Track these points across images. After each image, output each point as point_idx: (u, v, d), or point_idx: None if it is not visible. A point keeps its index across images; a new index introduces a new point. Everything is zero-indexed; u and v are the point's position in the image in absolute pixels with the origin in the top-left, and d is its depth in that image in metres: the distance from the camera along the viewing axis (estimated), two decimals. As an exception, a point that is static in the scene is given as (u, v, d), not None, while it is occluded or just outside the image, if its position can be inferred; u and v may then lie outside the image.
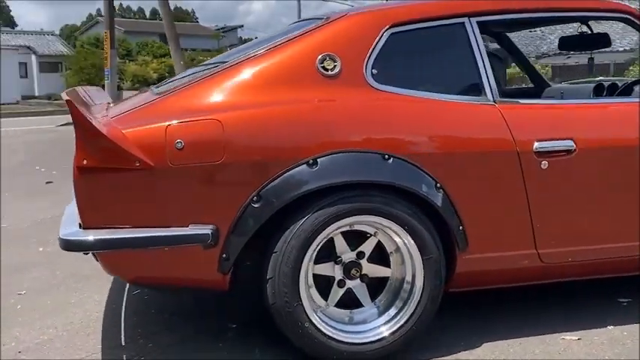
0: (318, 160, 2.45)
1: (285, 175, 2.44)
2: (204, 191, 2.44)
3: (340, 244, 2.63)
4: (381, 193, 2.52)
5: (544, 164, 2.66)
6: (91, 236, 2.39)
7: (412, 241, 2.58)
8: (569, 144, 2.69)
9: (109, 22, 18.47)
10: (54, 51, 34.62)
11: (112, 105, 3.07)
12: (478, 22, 2.79)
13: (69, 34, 50.79)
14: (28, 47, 33.47)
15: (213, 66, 2.85)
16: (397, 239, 2.63)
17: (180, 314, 3.18)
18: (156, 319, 3.12)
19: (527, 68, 4.47)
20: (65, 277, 3.84)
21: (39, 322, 3.14)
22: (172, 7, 24.58)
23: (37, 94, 32.31)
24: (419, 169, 2.55)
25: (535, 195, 2.68)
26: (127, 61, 35.48)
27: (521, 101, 2.83)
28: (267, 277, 2.51)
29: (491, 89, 2.73)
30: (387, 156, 2.50)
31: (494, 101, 2.73)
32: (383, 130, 2.56)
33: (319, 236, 2.50)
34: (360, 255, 2.66)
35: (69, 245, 2.40)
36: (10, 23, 63.77)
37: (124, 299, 3.37)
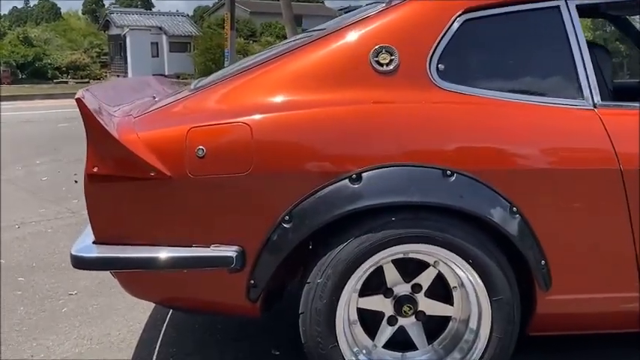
0: (363, 174, 2.02)
1: (322, 191, 2.03)
2: (228, 207, 2.09)
3: (391, 274, 2.20)
4: (438, 218, 2.06)
5: (656, 187, 2.09)
6: (98, 253, 2.10)
7: (478, 279, 2.11)
8: (690, 163, 2.10)
9: (230, 3, 18.62)
10: (183, 32, 35.73)
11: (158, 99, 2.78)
12: (578, 6, 2.23)
13: (201, 15, 52.30)
14: (160, 28, 34.75)
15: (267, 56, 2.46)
16: (461, 273, 2.16)
17: (223, 334, 2.86)
18: (195, 338, 2.82)
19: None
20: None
21: (77, 330, 2.94)
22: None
23: (166, 72, 33.57)
24: (489, 189, 2.06)
25: (642, 224, 2.12)
26: (251, 42, 35.98)
27: (629, 106, 2.24)
28: (299, 312, 2.12)
29: (590, 90, 2.18)
30: (449, 172, 2.03)
31: (594, 105, 2.17)
32: (445, 140, 2.09)
33: (363, 265, 2.08)
34: (416, 288, 2.22)
35: (78, 263, 2.12)
36: (148, 4, 66.77)
37: (170, 310, 3.10)
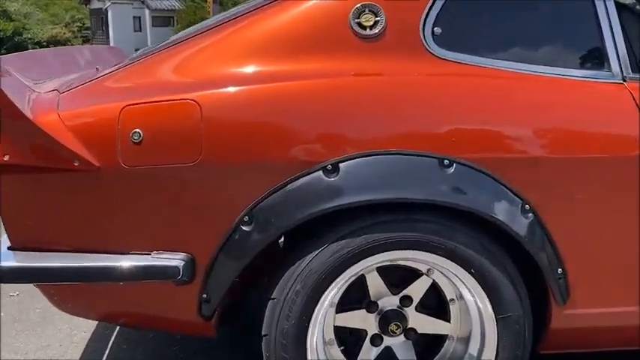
0: (340, 165, 1.62)
1: (289, 186, 1.63)
2: (172, 205, 1.68)
3: (375, 284, 1.81)
4: (434, 218, 1.66)
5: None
6: (13, 263, 1.69)
7: (482, 292, 1.72)
8: None
9: (213, -26, 17.98)
10: (166, 6, 34.92)
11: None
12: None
13: (185, -12, 51.16)
14: (142, 2, 33.93)
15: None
16: (460, 284, 1.77)
17: (183, 345, 2.46)
18: (150, 351, 2.42)
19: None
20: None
21: (12, 341, 2.52)
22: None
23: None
24: (496, 182, 1.66)
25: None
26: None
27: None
28: (262, 334, 1.73)
29: (619, 60, 1.77)
30: (447, 161, 1.63)
31: (624, 78, 1.76)
32: (442, 121, 1.68)
33: (340, 277, 1.68)
34: (406, 301, 1.83)
35: (-14, 273, 1.71)
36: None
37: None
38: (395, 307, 1.82)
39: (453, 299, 1.84)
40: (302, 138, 1.65)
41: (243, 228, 1.65)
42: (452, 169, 1.63)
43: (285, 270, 1.68)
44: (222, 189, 1.66)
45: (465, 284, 1.74)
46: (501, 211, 1.65)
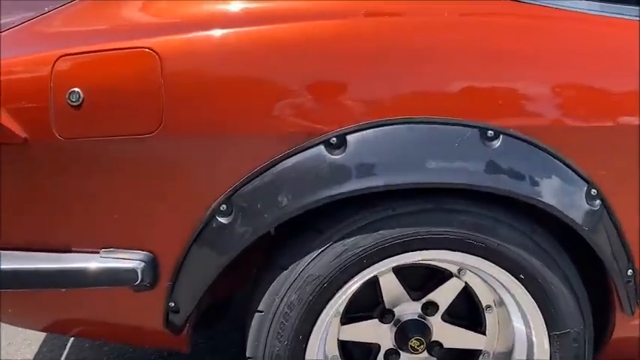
0: (348, 137, 1.20)
1: (280, 165, 1.21)
2: (125, 190, 1.27)
3: (391, 288, 1.41)
4: (471, 208, 1.25)
5: None
6: None
7: (532, 302, 1.32)
8: None
9: None
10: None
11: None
12: None
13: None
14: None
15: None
16: (502, 290, 1.38)
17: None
18: (112, 351, 2.03)
19: None
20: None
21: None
22: None
23: None
24: (556, 161, 1.25)
25: None
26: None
27: None
28: (247, 356, 1.34)
29: None
30: (491, 132, 1.21)
31: None
32: (483, 77, 1.26)
33: (349, 283, 1.28)
34: (430, 308, 1.43)
35: None
36: None
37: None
38: (416, 317, 1.42)
39: (489, 306, 1.45)
40: (297, 101, 1.22)
41: (220, 220, 1.24)
42: (498, 143, 1.22)
43: (275, 275, 1.28)
44: (190, 168, 1.25)
45: (508, 290, 1.35)
46: (564, 200, 1.24)
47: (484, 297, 1.44)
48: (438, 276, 1.43)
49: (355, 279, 1.26)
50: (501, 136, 1.22)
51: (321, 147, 1.21)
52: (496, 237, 1.25)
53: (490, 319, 1.46)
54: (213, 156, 1.23)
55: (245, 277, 1.58)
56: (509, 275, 1.29)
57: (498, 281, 1.33)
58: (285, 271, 1.26)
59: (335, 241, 1.23)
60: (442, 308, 1.43)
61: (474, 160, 1.22)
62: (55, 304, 1.40)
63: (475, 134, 1.22)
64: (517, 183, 1.23)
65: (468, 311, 1.48)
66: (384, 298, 1.42)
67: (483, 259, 1.27)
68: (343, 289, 1.27)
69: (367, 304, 1.44)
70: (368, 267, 1.25)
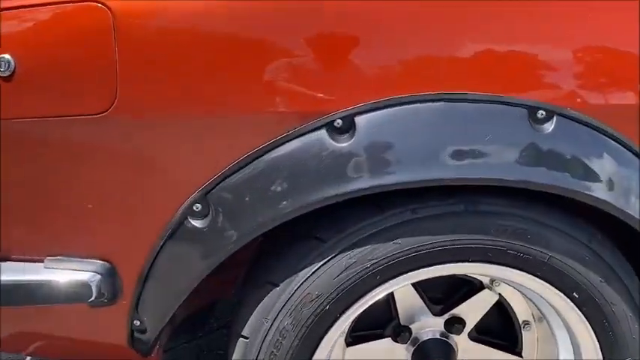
0: (358, 119, 0.92)
1: (269, 155, 0.94)
2: (73, 184, 0.99)
3: (408, 303, 1.16)
4: (514, 210, 0.98)
5: None
6: None
7: (587, 327, 1.05)
8: None
9: None
10: None
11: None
12: None
13: None
14: None
15: None
16: (544, 306, 1.11)
17: None
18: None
19: None
20: None
21: None
22: None
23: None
24: (623, 148, 0.97)
25: None
26: None
27: None
28: (227, 390, 1.09)
29: None
30: (542, 112, 0.93)
31: None
32: (533, 42, 0.96)
33: (357, 304, 1.01)
34: (455, 325, 1.17)
35: None
36: None
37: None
38: (437, 335, 1.17)
39: (527, 323, 1.19)
40: (291, 72, 0.94)
41: (193, 223, 0.97)
42: (551, 126, 0.94)
43: (263, 292, 1.01)
44: (153, 157, 0.98)
45: (554, 308, 1.08)
46: (632, 200, 0.97)
47: (521, 311, 1.18)
48: (465, 287, 1.16)
49: (365, 298, 1.00)
50: (555, 118, 0.94)
51: (323, 131, 0.93)
52: (546, 247, 0.98)
53: (528, 337, 1.20)
54: (183, 141, 0.95)
55: (233, 279, 1.33)
56: (560, 293, 1.02)
57: (542, 297, 1.07)
58: (275, 289, 0.99)
59: (340, 252, 0.97)
60: (470, 325, 1.18)
61: (519, 149, 0.94)
62: (4, 318, 1.15)
63: (521, 115, 0.94)
64: (575, 179, 0.95)
65: (500, 327, 1.21)
66: (399, 313, 1.16)
67: (528, 274, 1.00)
68: (350, 310, 1.00)
69: (378, 320, 1.18)
70: (381, 284, 0.99)
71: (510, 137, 0.94)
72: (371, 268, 0.96)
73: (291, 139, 0.94)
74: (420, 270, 0.98)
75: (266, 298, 1.00)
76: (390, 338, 1.17)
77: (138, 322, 1.07)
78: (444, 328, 1.17)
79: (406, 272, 0.98)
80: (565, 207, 1.00)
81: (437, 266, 0.98)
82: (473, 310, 1.16)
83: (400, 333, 1.16)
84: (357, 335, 1.18)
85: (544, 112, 0.94)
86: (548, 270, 0.99)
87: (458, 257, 0.98)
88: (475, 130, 0.94)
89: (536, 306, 1.15)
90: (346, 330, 1.14)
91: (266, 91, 0.93)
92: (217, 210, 0.96)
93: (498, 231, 0.97)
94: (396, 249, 0.96)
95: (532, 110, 0.94)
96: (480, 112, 0.94)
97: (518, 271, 1.00)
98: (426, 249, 0.96)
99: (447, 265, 0.99)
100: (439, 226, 0.96)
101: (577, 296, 1.01)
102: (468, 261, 0.99)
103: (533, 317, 1.19)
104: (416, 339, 1.17)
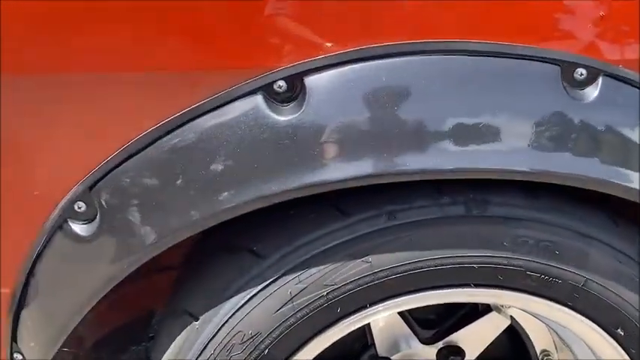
0: (308, 80, 0.62)
1: (181, 130, 0.64)
2: None
3: (387, 327, 0.85)
4: (544, 215, 0.68)
5: None
6: None
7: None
8: None
9: None
10: None
11: None
12: None
13: None
14: None
15: None
16: (569, 337, 0.82)
17: None
18: None
19: None
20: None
21: None
22: None
23: None
24: None
25: None
26: None
27: None
28: None
29: None
30: (581, 71, 0.63)
31: None
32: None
33: (308, 345, 0.71)
34: (450, 357, 0.87)
35: None
36: None
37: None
38: (430, 370, 0.88)
39: (547, 353, 0.90)
40: (215, 11, 0.63)
41: (74, 228, 0.68)
42: (595, 92, 0.63)
43: (180, 324, 0.72)
44: (17, 134, 0.67)
45: (588, 345, 0.79)
46: None
47: (539, 340, 0.89)
48: (465, 306, 0.87)
49: (320, 338, 0.70)
50: (601, 79, 0.63)
51: (259, 97, 0.62)
52: (582, 266, 0.68)
53: (544, 372, 0.91)
54: (56, 109, 0.65)
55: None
56: (599, 329, 0.72)
57: (569, 330, 0.77)
58: (195, 323, 0.70)
59: (284, 274, 0.67)
60: (471, 356, 0.88)
61: (546, 126, 0.64)
62: None
63: (551, 76, 0.63)
64: (629, 171, 0.65)
65: (511, 356, 0.93)
66: (376, 340, 0.87)
67: (555, 304, 0.71)
68: (300, 354, 0.70)
69: (348, 349, 0.89)
70: (343, 319, 0.69)
71: (534, 108, 0.64)
72: (329, 298, 0.67)
73: (215, 108, 0.63)
74: (399, 299, 0.68)
75: (183, 333, 0.71)
76: (366, 373, 0.88)
77: (19, 357, 0.79)
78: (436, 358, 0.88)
79: (379, 302, 0.68)
80: (608, 209, 0.70)
81: (423, 293, 0.69)
82: (476, 337, 0.87)
83: (378, 364, 0.87)
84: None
85: (584, 72, 0.63)
86: (584, 298, 0.70)
87: (455, 281, 0.68)
88: (482, 99, 0.63)
89: (557, 335, 0.85)
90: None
91: (179, 40, 0.63)
92: (108, 210, 0.67)
93: (514, 244, 0.67)
94: (365, 270, 0.66)
95: (567, 68, 0.63)
96: (488, 71, 0.63)
97: (541, 300, 0.70)
98: (409, 270, 0.66)
99: (439, 291, 0.69)
100: (428, 238, 0.66)
101: (622, 333, 0.72)
102: (470, 286, 0.69)
103: (555, 346, 0.89)
104: (399, 375, 0.88)
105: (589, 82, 0.63)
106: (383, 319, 0.85)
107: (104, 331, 0.97)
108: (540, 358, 0.91)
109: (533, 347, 0.90)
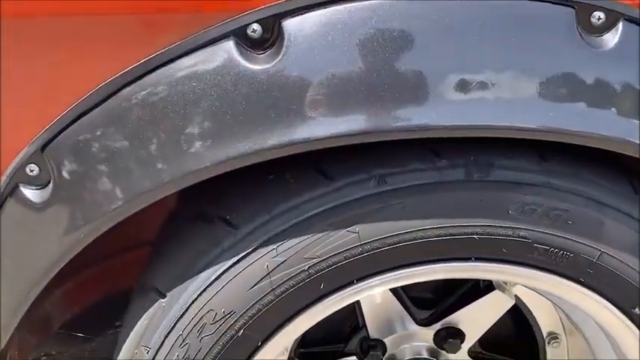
0: (286, 24, 0.54)
1: (143, 81, 0.56)
2: None
3: (379, 308, 0.78)
4: (554, 179, 0.60)
5: None
6: None
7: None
8: None
9: None
10: None
11: None
12: None
13: None
14: None
15: None
16: (581, 320, 0.74)
17: None
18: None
19: None
20: None
21: None
22: None
23: None
24: None
25: None
26: None
27: None
28: None
29: None
30: (599, 15, 0.56)
31: None
32: None
33: (288, 326, 0.64)
34: (449, 340, 0.80)
35: None
36: None
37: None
38: (425, 355, 0.80)
39: (554, 336, 0.82)
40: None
41: (25, 193, 0.60)
42: (614, 38, 0.55)
43: (146, 304, 0.64)
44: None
45: (600, 325, 0.71)
46: None
47: (546, 322, 0.81)
48: (464, 285, 0.79)
49: (302, 317, 0.63)
50: (621, 24, 0.55)
51: (230, 43, 0.55)
52: (596, 238, 0.61)
53: (555, 354, 0.84)
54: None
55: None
56: (614, 308, 0.65)
57: (586, 312, 0.69)
58: (161, 300, 0.62)
59: (259, 246, 0.59)
60: (471, 339, 0.81)
61: (559, 78, 0.56)
62: None
63: (565, 19, 0.55)
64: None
65: (515, 341, 0.85)
66: (368, 322, 0.80)
67: (565, 280, 0.63)
68: (279, 335, 0.63)
69: (337, 331, 0.81)
70: (328, 296, 0.61)
71: (544, 57, 0.56)
72: (310, 272, 0.59)
73: (182, 55, 0.56)
74: (390, 274, 0.61)
75: (150, 311, 0.64)
76: (354, 358, 0.81)
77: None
78: (434, 343, 0.80)
79: (367, 278, 0.61)
80: (628, 174, 0.63)
81: (417, 268, 0.61)
82: (477, 318, 0.80)
83: (369, 350, 0.80)
84: (307, 353, 0.81)
85: (603, 15, 0.55)
86: (598, 274, 0.62)
87: (453, 254, 0.61)
88: (486, 46, 0.56)
89: (567, 316, 0.78)
90: (289, 347, 0.77)
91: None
92: (60, 173, 0.59)
93: (521, 212, 0.60)
94: (352, 241, 0.58)
95: (583, 11, 0.55)
96: (493, 14, 0.55)
97: (550, 276, 0.63)
98: (401, 241, 0.59)
99: (436, 266, 0.61)
100: (423, 205, 0.59)
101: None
102: (470, 260, 0.61)
103: (564, 328, 0.82)
104: (393, 358, 0.80)
105: (608, 27, 0.56)
106: (374, 297, 0.78)
107: (75, 311, 0.90)
108: (547, 341, 0.84)
109: (540, 330, 0.83)
